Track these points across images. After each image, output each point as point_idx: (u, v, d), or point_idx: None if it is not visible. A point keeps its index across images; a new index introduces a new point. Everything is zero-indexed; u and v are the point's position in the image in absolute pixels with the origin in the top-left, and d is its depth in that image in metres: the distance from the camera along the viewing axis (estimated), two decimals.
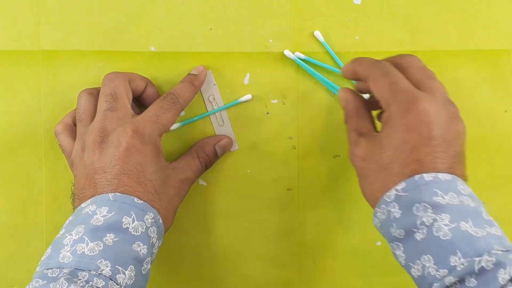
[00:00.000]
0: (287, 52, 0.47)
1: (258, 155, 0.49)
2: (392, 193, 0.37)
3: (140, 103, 0.46)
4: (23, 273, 0.47)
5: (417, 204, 0.36)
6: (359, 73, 0.42)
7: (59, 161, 0.47)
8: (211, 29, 0.48)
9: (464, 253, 0.34)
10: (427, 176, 0.36)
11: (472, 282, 0.33)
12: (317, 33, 0.48)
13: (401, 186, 0.37)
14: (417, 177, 0.36)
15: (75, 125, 0.44)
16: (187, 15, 0.48)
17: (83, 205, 0.39)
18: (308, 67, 0.48)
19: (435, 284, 0.34)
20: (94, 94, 0.44)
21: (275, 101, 0.48)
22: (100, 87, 0.44)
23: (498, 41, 0.50)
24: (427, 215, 0.35)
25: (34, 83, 0.47)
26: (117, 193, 0.38)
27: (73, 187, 0.42)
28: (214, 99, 0.47)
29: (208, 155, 0.46)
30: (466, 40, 0.50)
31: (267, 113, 0.48)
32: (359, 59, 0.42)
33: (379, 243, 0.50)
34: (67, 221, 0.39)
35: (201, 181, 0.48)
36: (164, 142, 0.47)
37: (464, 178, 0.38)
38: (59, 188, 0.47)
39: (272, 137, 0.49)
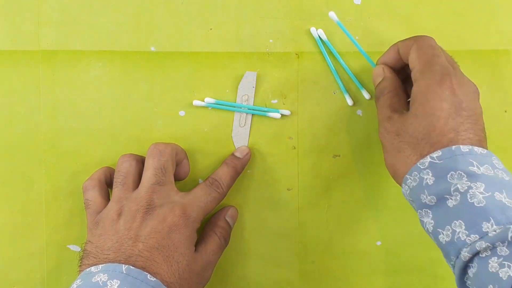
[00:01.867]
0: (312, 30, 0.48)
1: (258, 155, 0.49)
2: (426, 160, 0.38)
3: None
4: (23, 273, 0.47)
5: (452, 172, 0.37)
6: (403, 44, 0.43)
7: (59, 161, 0.47)
8: (211, 29, 0.48)
9: (497, 220, 0.34)
10: (464, 148, 0.37)
11: (504, 251, 0.34)
12: (313, 30, 0.48)
13: (436, 154, 0.38)
14: (454, 147, 0.38)
15: (106, 184, 0.45)
16: (187, 15, 0.48)
17: (93, 269, 0.39)
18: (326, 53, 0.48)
19: (465, 249, 0.35)
20: (139, 160, 0.44)
21: (275, 101, 0.48)
22: (142, 156, 0.45)
23: (498, 41, 0.50)
24: (462, 182, 0.36)
25: (34, 83, 0.47)
26: (131, 267, 0.38)
27: (87, 244, 0.42)
28: (247, 99, 0.47)
29: (223, 227, 0.46)
30: (466, 40, 0.50)
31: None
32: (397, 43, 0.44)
33: (379, 243, 0.50)
34: (75, 286, 0.38)
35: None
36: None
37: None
38: (59, 188, 0.47)
39: (272, 137, 0.49)
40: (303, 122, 0.49)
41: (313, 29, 0.48)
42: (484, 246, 0.34)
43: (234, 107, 0.48)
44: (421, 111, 0.39)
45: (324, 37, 0.48)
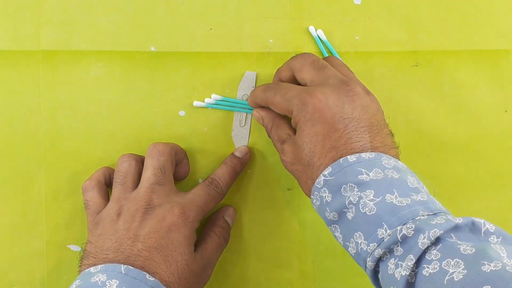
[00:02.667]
0: (311, 28, 0.48)
1: (258, 155, 0.49)
2: (321, 179, 0.38)
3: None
4: (23, 273, 0.47)
5: (344, 185, 0.37)
6: (259, 102, 0.45)
7: (59, 161, 0.47)
8: (211, 29, 0.48)
9: (390, 224, 0.35)
10: (351, 157, 0.38)
11: (399, 250, 0.34)
12: (311, 29, 0.48)
13: (327, 171, 0.38)
14: (341, 160, 0.38)
15: (105, 184, 0.45)
16: (187, 15, 0.48)
17: (92, 269, 0.39)
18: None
19: (368, 258, 0.36)
20: (138, 160, 0.44)
21: None
22: (141, 155, 0.45)
23: (498, 41, 0.50)
24: (354, 193, 0.37)
25: (34, 83, 0.47)
26: (130, 266, 0.38)
27: (87, 244, 0.42)
28: (247, 99, 0.47)
29: (223, 227, 0.46)
30: (466, 40, 0.50)
31: None
32: (253, 91, 0.45)
33: None
34: (74, 286, 0.38)
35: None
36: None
37: (389, 147, 0.39)
38: (59, 188, 0.47)
39: None
40: None
41: (311, 28, 0.48)
42: (381, 252, 0.35)
43: (235, 103, 0.48)
44: (300, 141, 0.40)
45: (323, 37, 0.48)
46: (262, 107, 0.45)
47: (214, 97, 0.47)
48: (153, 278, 0.38)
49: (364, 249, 0.36)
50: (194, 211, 0.43)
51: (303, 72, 0.42)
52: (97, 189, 0.44)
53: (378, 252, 0.35)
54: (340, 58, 0.47)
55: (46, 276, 0.47)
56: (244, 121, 0.48)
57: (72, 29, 0.47)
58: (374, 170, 0.37)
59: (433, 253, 0.33)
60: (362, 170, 0.37)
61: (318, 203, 0.39)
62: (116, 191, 0.43)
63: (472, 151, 0.50)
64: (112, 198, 0.43)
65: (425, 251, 0.33)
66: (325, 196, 0.38)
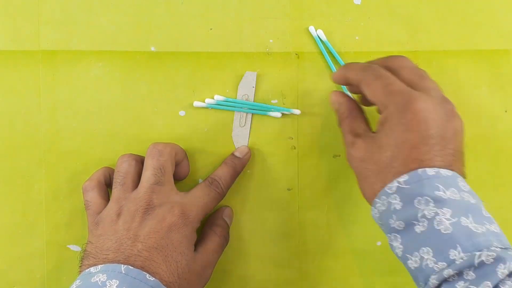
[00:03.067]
0: (311, 28, 0.48)
1: (258, 155, 0.49)
2: (394, 184, 0.37)
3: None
4: (23, 273, 0.47)
5: (419, 197, 0.36)
6: (350, 78, 0.42)
7: (59, 161, 0.47)
8: (211, 29, 0.48)
9: (464, 247, 0.34)
10: (430, 171, 0.37)
11: (470, 275, 0.34)
12: (312, 29, 0.48)
13: (403, 178, 0.37)
14: (420, 170, 0.37)
15: (105, 184, 0.45)
16: (187, 15, 0.48)
17: (92, 270, 0.39)
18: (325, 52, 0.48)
19: (433, 276, 0.35)
20: (138, 160, 0.44)
21: (275, 101, 0.48)
22: (141, 155, 0.45)
23: (498, 41, 0.50)
24: (429, 208, 0.36)
25: (34, 83, 0.47)
26: (130, 266, 0.38)
27: (87, 245, 0.42)
28: (247, 99, 0.47)
29: (222, 226, 0.46)
30: (466, 40, 0.50)
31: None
32: (350, 64, 0.43)
33: (379, 243, 0.50)
34: (75, 286, 0.38)
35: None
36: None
37: (463, 175, 0.39)
38: (59, 188, 0.47)
39: (272, 137, 0.49)
40: (303, 122, 0.49)
41: (311, 28, 0.48)
42: (452, 273, 0.34)
43: (235, 103, 0.48)
44: (385, 141, 0.39)
45: (323, 37, 0.48)
46: (342, 93, 0.44)
47: (217, 97, 0.47)
48: (153, 278, 0.38)
49: (430, 266, 0.35)
50: (194, 211, 0.43)
51: (403, 72, 0.40)
52: (97, 189, 0.44)
53: (448, 272, 0.34)
54: (341, 60, 0.47)
55: (46, 276, 0.48)
56: (244, 121, 0.48)
57: (72, 29, 0.47)
58: (450, 190, 0.36)
59: (508, 284, 0.33)
60: (440, 186, 0.36)
61: (383, 208, 0.38)
62: (116, 191, 0.43)
63: (472, 151, 0.50)
64: (112, 199, 0.43)
65: (501, 281, 0.33)
66: (394, 203, 0.37)
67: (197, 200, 0.44)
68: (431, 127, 0.38)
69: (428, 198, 0.36)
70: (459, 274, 0.34)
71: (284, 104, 0.49)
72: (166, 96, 0.48)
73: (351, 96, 0.44)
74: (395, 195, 0.37)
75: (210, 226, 0.46)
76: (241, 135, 0.48)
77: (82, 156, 0.47)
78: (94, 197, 0.44)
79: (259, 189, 0.49)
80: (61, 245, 0.47)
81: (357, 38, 0.49)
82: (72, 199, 0.47)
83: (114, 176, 0.44)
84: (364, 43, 0.49)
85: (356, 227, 0.50)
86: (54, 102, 0.47)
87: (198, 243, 0.44)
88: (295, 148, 0.49)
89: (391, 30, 0.49)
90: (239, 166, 0.47)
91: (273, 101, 0.48)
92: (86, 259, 0.41)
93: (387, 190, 0.38)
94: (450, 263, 0.34)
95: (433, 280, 0.35)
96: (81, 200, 0.45)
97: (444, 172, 0.37)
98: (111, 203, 0.43)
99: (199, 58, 0.48)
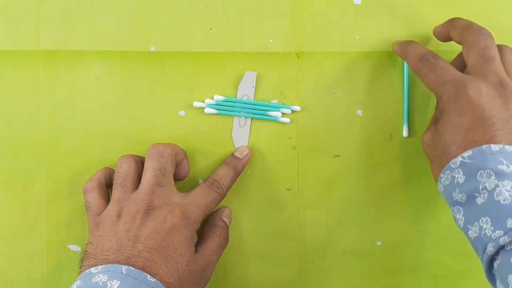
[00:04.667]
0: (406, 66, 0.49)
1: (258, 155, 0.49)
2: (458, 159, 0.39)
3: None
4: (23, 273, 0.47)
5: (481, 171, 0.38)
6: (409, 65, 0.45)
7: (59, 161, 0.47)
8: (211, 29, 0.48)
9: None
10: (495, 147, 0.38)
11: None
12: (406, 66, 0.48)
13: (467, 153, 0.39)
14: (484, 146, 0.38)
15: (106, 185, 0.45)
16: (187, 15, 0.48)
17: (93, 270, 0.39)
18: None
19: (490, 244, 0.36)
20: (138, 161, 0.44)
21: (275, 101, 0.48)
22: (141, 156, 0.45)
23: (498, 41, 0.50)
24: (490, 180, 0.37)
25: (34, 83, 0.47)
26: (131, 267, 0.38)
27: (87, 245, 0.42)
28: (247, 99, 0.47)
29: (222, 227, 0.47)
30: None
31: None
32: (410, 46, 0.45)
33: (379, 243, 0.50)
34: (75, 286, 0.38)
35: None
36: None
37: None
38: (59, 188, 0.47)
39: (272, 137, 0.49)
40: (303, 122, 0.49)
41: (406, 66, 0.48)
42: (508, 240, 0.35)
43: (235, 103, 0.48)
44: (442, 127, 0.41)
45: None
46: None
47: (217, 97, 0.47)
48: (154, 279, 0.38)
49: (488, 235, 0.36)
50: (194, 213, 0.43)
51: (471, 52, 0.42)
52: (97, 190, 0.44)
53: (504, 239, 0.35)
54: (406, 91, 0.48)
55: (46, 276, 0.48)
56: (244, 121, 0.48)
57: (72, 29, 0.47)
58: None
59: None
60: (504, 160, 0.37)
61: (447, 182, 0.40)
62: (116, 192, 0.43)
63: None
64: (113, 200, 0.43)
65: None
66: (457, 176, 0.39)
67: (197, 201, 0.44)
68: (484, 109, 0.39)
69: (490, 171, 0.37)
70: None
71: (284, 104, 0.49)
72: (166, 96, 0.48)
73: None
74: (458, 169, 0.39)
75: (210, 227, 0.46)
76: (241, 135, 0.48)
77: (82, 156, 0.47)
78: (94, 198, 0.44)
79: (259, 189, 0.49)
80: (61, 245, 0.48)
81: (357, 38, 0.49)
82: (72, 199, 0.47)
83: (114, 177, 0.44)
84: (364, 43, 0.49)
85: (356, 227, 0.50)
86: (54, 102, 0.47)
87: (198, 244, 0.44)
88: (295, 148, 0.49)
89: (391, 30, 0.49)
90: (240, 166, 0.47)
91: (273, 101, 0.48)
92: (86, 260, 0.41)
93: (451, 165, 0.40)
94: (508, 231, 0.35)
95: (490, 247, 0.36)
96: (81, 200, 0.45)
97: (510, 148, 0.38)
98: (111, 204, 0.43)
99: (199, 58, 0.48)
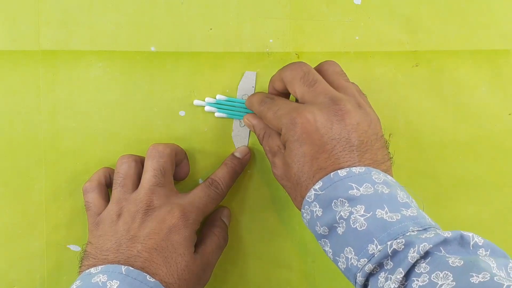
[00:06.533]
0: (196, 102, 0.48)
1: (258, 155, 0.49)
2: (311, 193, 0.38)
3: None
4: (23, 273, 0.47)
5: (335, 200, 0.37)
6: (256, 113, 0.45)
7: (59, 161, 0.47)
8: (211, 29, 0.48)
9: (380, 239, 0.35)
10: (341, 172, 0.38)
11: (389, 264, 0.34)
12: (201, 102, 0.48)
13: (318, 185, 0.38)
14: (332, 174, 0.38)
15: (106, 185, 0.45)
16: (187, 15, 0.48)
17: (92, 270, 0.39)
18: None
19: (358, 274, 0.36)
20: (138, 161, 0.44)
21: None
22: (141, 156, 0.45)
23: (498, 41, 0.50)
24: (344, 208, 0.37)
25: (34, 83, 0.47)
26: (130, 267, 0.38)
27: (87, 245, 0.42)
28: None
29: (221, 227, 0.47)
30: (466, 40, 0.50)
31: None
32: (250, 99, 0.45)
33: None
34: (75, 287, 0.38)
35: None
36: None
37: (380, 162, 0.39)
38: (59, 188, 0.47)
39: None
40: None
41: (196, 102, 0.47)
42: (372, 267, 0.35)
43: (235, 102, 0.48)
44: (290, 160, 0.40)
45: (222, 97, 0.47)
46: (253, 115, 0.46)
47: (219, 97, 0.47)
48: (154, 279, 0.38)
49: (355, 264, 0.36)
50: (194, 213, 0.43)
51: (294, 86, 0.42)
52: (97, 190, 0.44)
53: (369, 267, 0.35)
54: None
55: (46, 276, 0.48)
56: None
57: (72, 29, 0.47)
58: (364, 185, 0.37)
59: (422, 266, 0.33)
60: (353, 185, 0.37)
61: (308, 217, 0.39)
62: (116, 192, 0.43)
63: (472, 151, 0.50)
64: (112, 200, 0.43)
65: (414, 265, 0.33)
66: (315, 210, 0.38)
67: (197, 201, 0.44)
68: (322, 134, 0.39)
69: (342, 199, 0.37)
70: (380, 265, 0.35)
71: None
72: (166, 96, 0.48)
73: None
74: (315, 202, 0.38)
75: (209, 227, 0.46)
76: (241, 135, 0.48)
77: (82, 156, 0.47)
78: (94, 198, 0.44)
79: (259, 189, 0.49)
80: (61, 245, 0.48)
81: (357, 38, 0.49)
82: (72, 199, 0.47)
83: (114, 177, 0.44)
84: (364, 43, 0.49)
85: None
86: (54, 102, 0.47)
87: (197, 244, 0.44)
88: None
89: (391, 30, 0.49)
90: (239, 166, 0.47)
91: None
92: (86, 260, 0.41)
93: (307, 199, 0.39)
94: (370, 257, 0.35)
95: (359, 277, 0.36)
96: (81, 200, 0.45)
97: (356, 169, 0.38)
98: (111, 204, 0.43)
99: (199, 58, 0.48)
